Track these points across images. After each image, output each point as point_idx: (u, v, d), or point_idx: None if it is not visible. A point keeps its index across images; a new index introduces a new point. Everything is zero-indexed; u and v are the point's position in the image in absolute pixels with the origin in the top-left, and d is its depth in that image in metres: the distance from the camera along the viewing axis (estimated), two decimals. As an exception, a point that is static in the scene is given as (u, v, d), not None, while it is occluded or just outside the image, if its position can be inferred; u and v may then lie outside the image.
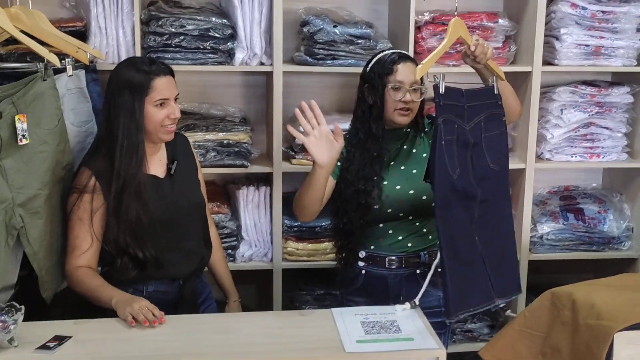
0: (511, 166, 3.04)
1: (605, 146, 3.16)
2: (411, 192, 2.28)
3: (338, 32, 2.87)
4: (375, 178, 2.27)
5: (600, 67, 3.07)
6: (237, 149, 2.90)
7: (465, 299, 1.94)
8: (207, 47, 2.80)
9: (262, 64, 2.89)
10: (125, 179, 2.07)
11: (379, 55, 2.34)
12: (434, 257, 2.21)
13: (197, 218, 2.29)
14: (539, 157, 3.13)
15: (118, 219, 2.08)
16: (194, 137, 2.84)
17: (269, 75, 2.97)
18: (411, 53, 2.89)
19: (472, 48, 2.09)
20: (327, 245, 2.99)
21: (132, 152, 2.08)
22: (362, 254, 2.34)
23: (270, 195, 2.97)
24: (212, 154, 2.87)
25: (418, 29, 2.97)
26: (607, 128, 3.15)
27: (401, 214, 2.30)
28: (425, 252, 2.32)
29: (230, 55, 2.85)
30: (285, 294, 3.06)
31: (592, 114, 3.11)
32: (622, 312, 1.78)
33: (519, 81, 3.07)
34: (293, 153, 2.98)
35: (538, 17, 2.94)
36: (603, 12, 3.03)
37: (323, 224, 2.97)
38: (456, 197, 1.96)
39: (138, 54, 2.74)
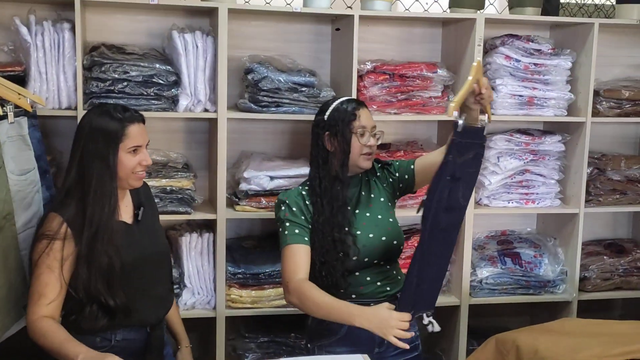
0: (451, 212, 3.14)
1: (540, 192, 3.27)
2: (383, 238, 2.31)
3: (282, 80, 2.90)
4: (345, 228, 2.27)
5: (533, 116, 3.20)
6: (180, 196, 2.88)
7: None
8: (151, 94, 2.79)
9: (206, 110, 2.89)
10: (98, 226, 2.04)
11: (334, 104, 2.36)
12: None
13: (165, 264, 2.30)
14: (477, 203, 3.22)
15: (89, 266, 2.04)
16: (136, 184, 2.80)
17: (212, 121, 2.97)
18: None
19: (483, 90, 2.13)
20: (270, 292, 2.97)
21: (105, 199, 2.05)
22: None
23: (214, 241, 2.95)
24: (155, 201, 2.83)
25: (360, 77, 3.03)
26: (541, 175, 3.26)
27: (376, 261, 2.32)
28: (399, 292, 2.28)
29: (174, 101, 2.84)
30: (227, 341, 3.02)
31: (527, 162, 3.22)
32: (564, 358, 1.83)
33: (458, 129, 3.15)
34: (237, 199, 2.97)
35: (475, 68, 3.04)
36: (535, 64, 3.16)
37: (267, 270, 2.96)
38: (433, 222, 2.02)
39: (80, 99, 2.71)
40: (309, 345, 2.39)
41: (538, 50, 3.20)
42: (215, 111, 2.87)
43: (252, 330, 3.07)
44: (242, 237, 3.25)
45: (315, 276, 2.27)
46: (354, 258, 2.27)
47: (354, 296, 2.29)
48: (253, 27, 3.16)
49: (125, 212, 2.19)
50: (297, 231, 2.27)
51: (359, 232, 2.29)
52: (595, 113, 3.26)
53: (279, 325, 3.12)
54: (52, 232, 2.03)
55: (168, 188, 2.86)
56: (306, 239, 2.26)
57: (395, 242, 2.34)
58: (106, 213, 2.05)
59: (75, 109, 2.73)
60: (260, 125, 3.22)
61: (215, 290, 2.96)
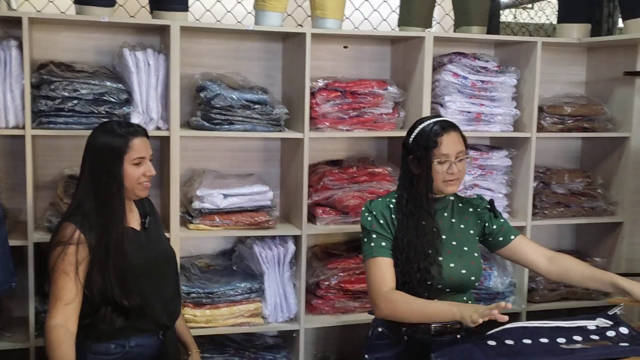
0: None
1: (488, 206, 3.34)
2: (463, 271, 2.31)
3: (235, 98, 2.90)
4: (432, 254, 2.26)
5: (481, 132, 3.27)
6: (132, 215, 2.83)
7: None
8: (102, 112, 2.75)
9: (158, 128, 2.86)
10: (109, 233, 2.19)
11: (421, 126, 2.32)
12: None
13: (172, 269, 2.44)
14: (428, 218, 3.26)
15: (103, 272, 2.17)
16: (87, 203, 2.75)
17: (164, 139, 2.94)
18: (307, 118, 2.97)
19: None
20: (226, 310, 2.94)
21: (115, 208, 2.22)
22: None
23: (167, 261, 2.91)
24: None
25: (312, 94, 3.05)
26: (489, 189, 3.34)
27: (448, 290, 2.31)
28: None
29: (125, 119, 2.81)
30: (181, 362, 2.97)
31: (476, 177, 3.29)
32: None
33: (409, 145, 3.21)
34: (190, 218, 2.95)
35: (424, 85, 3.11)
36: (482, 81, 3.25)
37: (222, 289, 2.93)
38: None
39: (28, 118, 2.66)
40: (366, 356, 2.38)
41: (484, 68, 3.29)
42: (168, 129, 2.84)
43: (207, 350, 3.03)
44: (195, 255, 3.22)
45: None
46: (438, 285, 2.27)
47: None
48: (204, 45, 3.16)
49: (133, 220, 2.35)
50: (383, 244, 2.29)
51: (441, 259, 2.28)
52: (540, 128, 3.36)
53: (235, 344, 3.09)
54: (66, 238, 2.17)
55: (120, 207, 2.82)
56: (391, 252, 2.29)
57: (473, 278, 2.33)
58: (117, 221, 2.21)
59: (23, 127, 2.68)
60: (213, 143, 3.20)
61: (168, 310, 2.92)
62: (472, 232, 2.40)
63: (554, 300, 3.47)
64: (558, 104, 3.45)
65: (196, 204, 2.92)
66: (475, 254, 2.37)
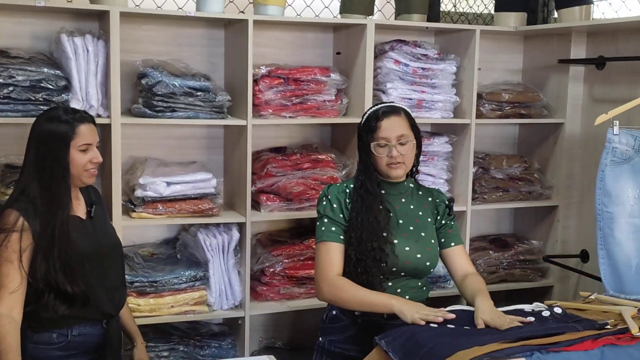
0: (347, 213, 3.20)
1: (430, 192, 3.40)
2: (418, 256, 2.35)
3: (177, 85, 2.87)
4: (385, 236, 2.31)
5: (422, 119, 3.32)
6: (72, 204, 2.78)
7: None
8: (40, 99, 2.68)
9: (99, 116, 2.81)
10: (54, 220, 2.16)
11: (368, 111, 2.40)
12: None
13: (118, 258, 2.41)
14: (371, 204, 3.29)
15: (47, 257, 2.14)
16: (25, 193, 2.68)
17: (105, 127, 2.89)
18: (250, 105, 2.96)
19: None
20: (170, 299, 2.93)
21: (60, 195, 2.19)
22: None
23: (109, 250, 2.87)
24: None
25: (255, 81, 3.05)
26: (430, 175, 3.40)
27: (402, 273, 2.35)
28: (421, 301, 2.30)
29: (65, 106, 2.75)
30: (125, 352, 2.94)
31: (418, 162, 3.35)
32: (460, 351, 1.92)
33: (352, 132, 3.23)
34: (133, 206, 2.91)
35: (367, 72, 3.14)
36: (423, 68, 3.30)
37: (165, 277, 2.92)
38: None
39: (-39, 105, 2.57)
40: (320, 339, 2.44)
41: (425, 55, 3.34)
42: (109, 117, 2.80)
43: (152, 339, 3.01)
44: (139, 244, 3.18)
45: (349, 272, 2.32)
46: (392, 268, 2.32)
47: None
48: (145, 31, 3.11)
49: (79, 209, 2.31)
50: (333, 229, 2.34)
51: (396, 241, 2.33)
52: (479, 115, 3.43)
53: (179, 333, 3.08)
54: (10, 225, 2.14)
55: (60, 196, 2.76)
56: (342, 237, 2.34)
57: (428, 263, 2.38)
58: (61, 207, 2.18)
59: (-43, 115, 2.60)
60: (155, 131, 3.17)
61: (112, 300, 2.88)
62: (429, 220, 2.44)
63: (493, 282, 3.56)
64: (496, 91, 3.53)
65: (139, 192, 2.89)
66: (432, 241, 2.42)
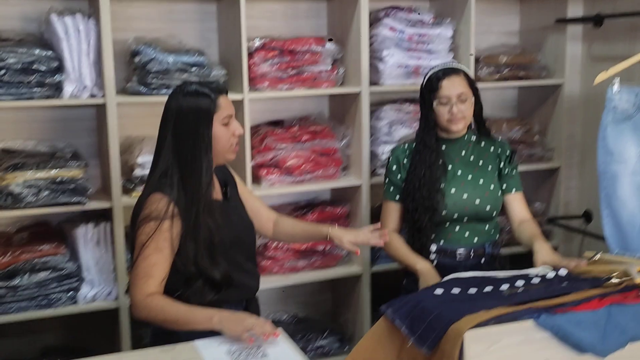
0: (348, 183, 3.21)
1: (430, 158, 3.38)
2: (477, 201, 2.55)
3: (171, 61, 2.84)
4: (437, 185, 2.52)
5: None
6: (72, 186, 2.77)
7: None
8: (32, 81, 2.66)
9: (93, 96, 2.78)
10: (200, 201, 2.05)
11: (430, 72, 2.58)
12: (497, 247, 2.63)
13: (253, 239, 2.33)
14: (372, 174, 3.28)
15: (196, 241, 2.05)
16: (24, 177, 2.67)
17: (99, 107, 2.87)
18: (245, 79, 2.93)
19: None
20: (174, 277, 2.92)
21: (203, 174, 2.06)
22: (433, 247, 2.57)
23: (111, 230, 2.86)
24: (46, 193, 2.71)
25: (250, 54, 3.01)
26: (430, 142, 3.37)
27: (466, 218, 2.56)
28: (489, 244, 2.60)
29: (58, 88, 2.72)
30: (133, 332, 2.95)
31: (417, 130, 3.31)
32: (467, 315, 1.92)
33: (349, 102, 3.21)
34: (132, 186, 2.89)
35: (362, 40, 3.10)
36: (419, 34, 3.26)
37: (169, 255, 2.90)
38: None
39: (-47, 91, 2.54)
40: (404, 281, 2.66)
41: (420, 21, 3.30)
42: (104, 96, 2.77)
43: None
44: (140, 224, 3.17)
45: (408, 222, 2.59)
46: (443, 213, 2.53)
47: (442, 242, 2.57)
48: (136, 8, 3.07)
49: (215, 190, 2.18)
50: (392, 189, 2.64)
51: (453, 190, 2.54)
52: (477, 79, 3.39)
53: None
54: (159, 212, 2.02)
55: (58, 179, 2.74)
56: (398, 197, 2.62)
57: (488, 207, 2.56)
58: (205, 188, 2.07)
59: (-51, 101, 2.57)
60: (151, 109, 3.10)
61: (116, 280, 2.88)
62: (490, 168, 2.61)
63: (497, 246, 3.55)
64: (494, 53, 3.50)
65: (137, 172, 2.87)
66: (492, 187, 2.59)
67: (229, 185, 2.27)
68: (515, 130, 3.59)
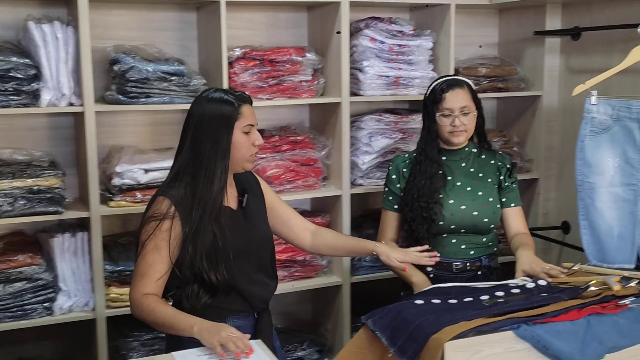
0: (328, 193, 3.21)
1: (410, 169, 3.39)
2: (475, 213, 2.55)
3: (151, 70, 2.82)
4: (436, 196, 2.53)
5: (400, 96, 3.30)
6: (49, 195, 2.73)
7: None
8: (9, 89, 2.62)
9: (71, 104, 2.75)
10: (206, 204, 2.06)
11: (433, 83, 2.61)
12: (494, 260, 2.63)
13: (266, 251, 2.28)
14: (352, 183, 3.28)
15: (195, 244, 2.06)
16: (-1, 186, 2.64)
17: (77, 115, 2.84)
18: (226, 87, 2.91)
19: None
20: (152, 287, 2.89)
21: (215, 178, 2.07)
22: None
23: (89, 240, 2.83)
24: (22, 202, 2.68)
25: (230, 64, 3.00)
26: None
27: (463, 230, 2.56)
28: (485, 256, 2.61)
29: (35, 96, 2.69)
30: (110, 343, 2.91)
31: (397, 140, 3.33)
32: (448, 326, 1.92)
33: (330, 112, 3.22)
34: (110, 195, 2.87)
35: (342, 51, 3.10)
36: (399, 45, 3.27)
37: (147, 266, 2.88)
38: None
39: None
40: (402, 293, 2.60)
41: (400, 32, 3.31)
42: (82, 104, 2.74)
43: (136, 328, 2.98)
44: (118, 233, 3.14)
45: (406, 232, 2.61)
46: (440, 223, 2.53)
47: (438, 254, 2.45)
48: (115, 17, 3.05)
49: (231, 198, 2.18)
50: (390, 198, 2.67)
51: (451, 201, 2.55)
52: (457, 90, 3.41)
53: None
54: (161, 213, 2.05)
55: (35, 188, 2.70)
56: (396, 206, 2.64)
57: (486, 219, 2.56)
58: (215, 192, 2.07)
59: None
60: (130, 118, 3.12)
61: (93, 290, 2.84)
62: (489, 180, 2.62)
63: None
64: (473, 65, 3.52)
65: (116, 181, 2.84)
66: (491, 199, 2.59)
67: (249, 194, 2.24)
68: (494, 141, 3.60)
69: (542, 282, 2.20)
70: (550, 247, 3.67)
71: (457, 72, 3.42)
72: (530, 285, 2.19)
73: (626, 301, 2.07)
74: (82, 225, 2.90)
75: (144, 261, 2.07)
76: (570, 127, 3.45)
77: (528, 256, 2.38)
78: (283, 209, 2.39)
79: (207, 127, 2.09)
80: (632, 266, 2.71)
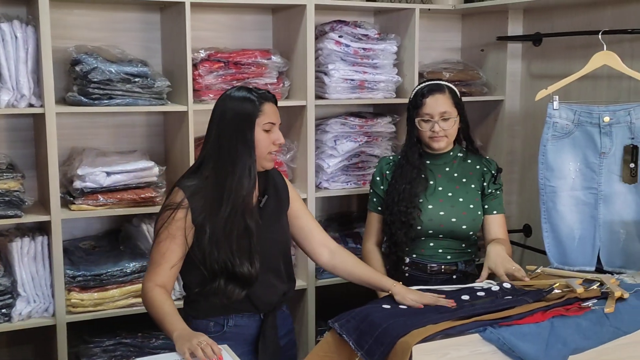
0: (294, 197, 3.17)
1: (375, 172, 3.40)
2: (453, 219, 2.54)
3: (114, 71, 2.77)
4: (416, 201, 2.52)
5: (365, 99, 3.31)
6: (7, 198, 2.67)
7: None
8: (-33, 89, 2.56)
9: (31, 105, 2.70)
10: (235, 200, 2.10)
11: (416, 88, 2.61)
12: (470, 265, 2.61)
13: (279, 254, 2.29)
14: (317, 187, 3.28)
15: (225, 238, 2.10)
16: (-44, 189, 2.56)
17: (37, 117, 2.79)
18: (190, 90, 2.89)
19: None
20: (114, 292, 2.84)
21: (244, 175, 2.12)
22: (406, 259, 2.58)
23: (49, 245, 2.77)
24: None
25: (194, 66, 2.97)
26: (375, 156, 3.39)
27: (441, 235, 2.55)
28: (462, 262, 2.60)
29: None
30: (70, 349, 2.86)
31: (362, 144, 3.34)
32: (415, 329, 1.92)
33: (295, 115, 3.20)
34: (71, 198, 2.81)
35: (308, 54, 3.10)
36: (364, 49, 3.28)
37: (109, 270, 2.83)
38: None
39: None
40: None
41: (365, 35, 3.32)
42: (42, 106, 2.69)
43: (97, 334, 2.93)
44: (79, 238, 3.09)
45: (386, 234, 2.61)
46: (418, 228, 2.53)
47: (415, 255, 2.57)
48: (77, 16, 3.00)
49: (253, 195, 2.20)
50: (374, 200, 2.67)
51: (430, 207, 2.54)
52: (421, 94, 3.43)
53: (126, 326, 3.00)
54: (175, 203, 2.11)
55: (-7, 191, 2.65)
56: (380, 208, 2.64)
57: (464, 226, 2.54)
58: (246, 188, 2.12)
59: None
60: (92, 120, 3.07)
61: (53, 296, 2.78)
62: (473, 186, 2.60)
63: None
64: (437, 69, 3.54)
65: (77, 184, 2.78)
66: (471, 206, 2.57)
67: (270, 196, 2.28)
68: (458, 145, 3.64)
69: (506, 285, 2.22)
70: (512, 250, 3.71)
71: (421, 76, 3.44)
72: (495, 288, 2.21)
73: (589, 303, 2.10)
74: (42, 229, 2.84)
75: (157, 250, 2.13)
76: (531, 132, 3.50)
77: (497, 253, 2.38)
78: (306, 221, 2.40)
79: (229, 123, 2.14)
80: (593, 269, 2.76)
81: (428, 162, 2.61)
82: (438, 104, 2.53)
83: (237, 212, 2.11)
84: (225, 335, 2.19)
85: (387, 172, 2.64)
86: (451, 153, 2.63)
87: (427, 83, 2.61)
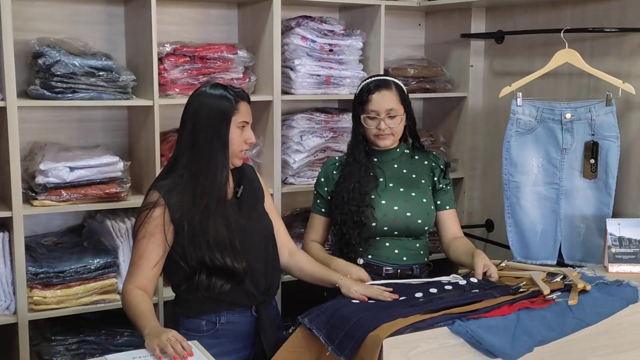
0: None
1: (340, 168, 3.41)
2: (408, 214, 2.48)
3: (77, 64, 2.72)
4: (367, 198, 2.46)
5: (331, 95, 3.32)
6: (-33, 194, 2.61)
7: None
8: None
9: (-8, 99, 2.64)
10: (210, 196, 2.10)
11: (362, 83, 2.55)
12: (425, 271, 2.55)
13: (263, 244, 2.27)
14: (284, 182, 3.28)
15: (202, 233, 2.09)
16: None
17: (0, 111, 2.72)
18: (156, 85, 2.86)
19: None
20: (78, 289, 2.80)
21: (217, 171, 2.12)
22: (360, 261, 2.50)
23: (10, 241, 2.71)
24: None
25: (160, 60, 2.94)
26: (340, 152, 3.39)
27: (396, 232, 2.49)
28: (417, 266, 2.53)
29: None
30: (32, 347, 2.80)
31: (328, 139, 3.34)
32: (385, 323, 1.94)
33: (261, 110, 3.19)
34: (34, 194, 2.75)
35: (274, 49, 3.09)
36: (330, 44, 3.28)
37: (72, 267, 2.79)
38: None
39: None
40: (325, 293, 2.50)
41: (331, 31, 3.33)
42: (3, 99, 2.62)
43: (60, 332, 2.88)
44: (41, 234, 3.03)
45: (337, 235, 2.54)
46: (373, 225, 2.46)
47: (370, 256, 2.51)
48: (38, 8, 2.94)
49: (228, 188, 2.20)
50: (318, 201, 2.61)
51: (383, 202, 2.48)
52: (384, 90, 3.45)
53: (89, 324, 2.96)
54: (151, 202, 2.12)
55: (-48, 186, 2.58)
56: (323, 210, 2.60)
57: (419, 221, 2.50)
58: (219, 183, 2.12)
59: None
60: (55, 114, 3.01)
61: (14, 293, 2.73)
62: (423, 181, 2.57)
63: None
64: (402, 66, 3.57)
65: (40, 179, 2.73)
66: (424, 200, 2.53)
67: (245, 187, 2.28)
68: (422, 140, 3.66)
69: (473, 280, 2.26)
70: (475, 244, 3.74)
71: (386, 73, 3.46)
72: (462, 282, 2.24)
73: (553, 296, 2.15)
74: (3, 225, 2.77)
75: (135, 251, 2.13)
76: (493, 128, 3.56)
77: (484, 255, 2.36)
78: (274, 220, 2.39)
79: (205, 120, 2.13)
80: (554, 262, 2.83)
81: (375, 159, 2.56)
82: (385, 101, 2.47)
83: (212, 207, 2.11)
84: (218, 333, 2.18)
85: (334, 172, 2.57)
86: (397, 150, 2.58)
87: (373, 78, 2.55)
